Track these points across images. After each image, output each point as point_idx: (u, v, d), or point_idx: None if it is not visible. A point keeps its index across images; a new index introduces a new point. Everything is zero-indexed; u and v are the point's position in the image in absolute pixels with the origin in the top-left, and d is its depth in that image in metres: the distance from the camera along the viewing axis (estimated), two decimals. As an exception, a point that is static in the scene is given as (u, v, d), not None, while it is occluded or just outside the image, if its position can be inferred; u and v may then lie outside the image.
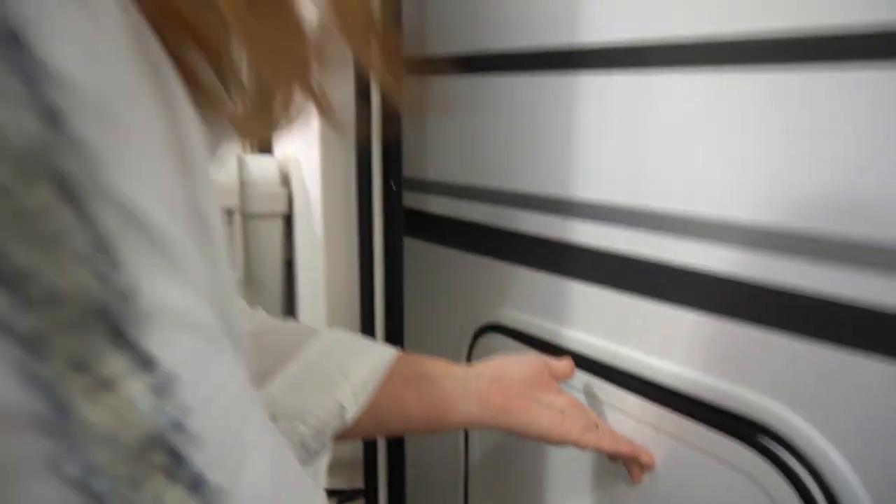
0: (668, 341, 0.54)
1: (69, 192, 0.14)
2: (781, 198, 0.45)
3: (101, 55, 0.15)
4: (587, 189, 0.60)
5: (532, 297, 0.68)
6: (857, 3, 0.40)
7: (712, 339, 0.50)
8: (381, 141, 0.76)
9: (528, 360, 0.57)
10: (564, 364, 0.57)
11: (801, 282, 0.44)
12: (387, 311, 0.81)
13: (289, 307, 1.00)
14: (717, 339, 0.50)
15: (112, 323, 0.14)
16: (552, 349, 0.65)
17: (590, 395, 0.61)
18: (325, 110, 0.25)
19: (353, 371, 0.47)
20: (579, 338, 0.62)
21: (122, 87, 0.15)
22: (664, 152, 0.53)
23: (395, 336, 0.81)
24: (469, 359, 0.76)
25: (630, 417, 0.57)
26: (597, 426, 0.54)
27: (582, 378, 0.61)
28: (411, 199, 0.80)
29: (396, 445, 0.84)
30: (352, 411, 0.46)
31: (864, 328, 0.42)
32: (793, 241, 0.45)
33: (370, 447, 0.84)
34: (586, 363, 0.60)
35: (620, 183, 0.57)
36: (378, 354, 0.50)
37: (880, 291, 0.40)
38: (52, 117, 0.13)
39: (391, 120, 0.75)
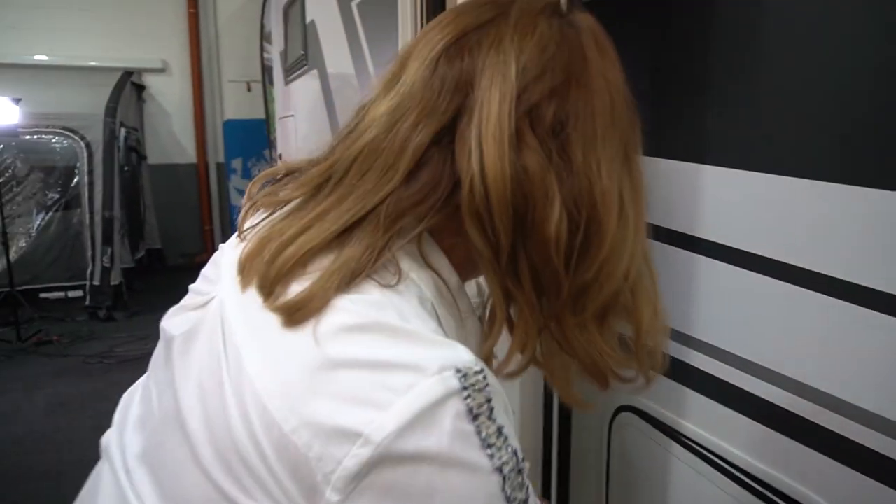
0: (744, 439, 0.93)
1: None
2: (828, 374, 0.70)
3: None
4: (699, 329, 0.96)
5: (659, 392, 0.89)
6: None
7: (774, 444, 0.86)
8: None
9: None
10: None
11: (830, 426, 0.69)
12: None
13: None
14: (776, 445, 0.86)
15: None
16: (670, 431, 0.88)
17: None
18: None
19: None
20: (691, 427, 0.90)
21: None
22: (749, 320, 0.80)
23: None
24: (610, 429, 0.81)
25: (719, 489, 0.89)
26: None
27: None
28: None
29: None
30: None
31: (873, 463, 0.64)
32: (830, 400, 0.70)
33: None
34: (694, 448, 0.89)
35: (721, 331, 0.92)
36: None
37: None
38: (516, 453, 0.43)
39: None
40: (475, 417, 0.40)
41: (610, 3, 0.92)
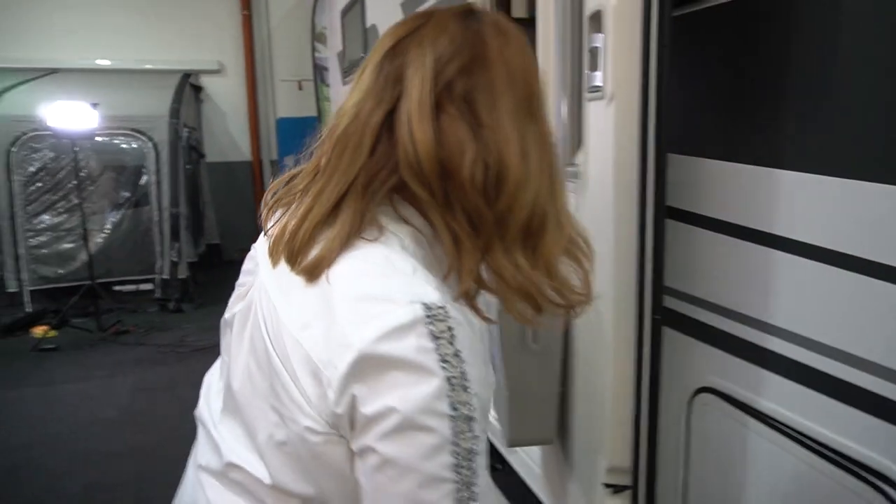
0: (822, 414, 0.97)
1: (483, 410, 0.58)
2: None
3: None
4: (777, 317, 1.02)
5: (738, 375, 0.99)
6: None
7: (851, 421, 0.94)
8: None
9: None
10: None
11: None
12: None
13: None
14: (853, 422, 0.93)
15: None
16: (746, 407, 0.98)
17: None
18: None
19: None
20: (768, 406, 0.98)
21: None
22: (827, 308, 0.91)
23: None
24: (689, 406, 0.91)
25: (795, 458, 0.97)
26: None
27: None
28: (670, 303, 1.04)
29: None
30: None
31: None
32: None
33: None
34: (771, 423, 0.97)
35: (800, 316, 0.97)
36: None
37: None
38: (465, 376, 0.55)
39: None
40: (436, 339, 0.54)
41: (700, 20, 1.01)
